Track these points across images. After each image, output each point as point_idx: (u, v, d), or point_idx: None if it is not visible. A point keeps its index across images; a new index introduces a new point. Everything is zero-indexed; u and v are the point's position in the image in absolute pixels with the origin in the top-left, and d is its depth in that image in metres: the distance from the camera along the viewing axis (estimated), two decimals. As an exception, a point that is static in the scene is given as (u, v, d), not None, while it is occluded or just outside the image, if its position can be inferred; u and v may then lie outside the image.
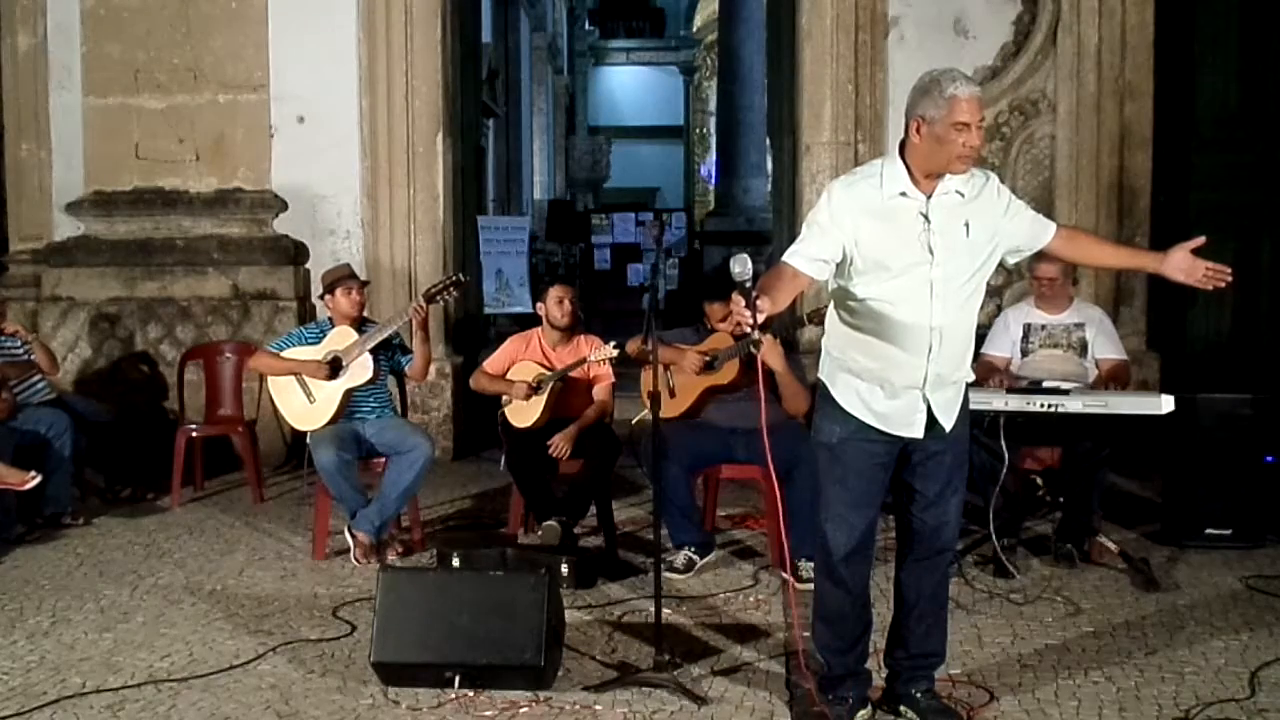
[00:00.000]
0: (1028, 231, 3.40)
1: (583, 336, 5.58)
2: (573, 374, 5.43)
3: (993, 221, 3.32)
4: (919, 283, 3.23)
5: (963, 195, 3.27)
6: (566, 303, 5.50)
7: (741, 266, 3.04)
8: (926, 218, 3.23)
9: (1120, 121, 7.28)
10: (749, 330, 3.03)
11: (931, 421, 3.35)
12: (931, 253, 3.23)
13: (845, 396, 3.38)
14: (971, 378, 3.45)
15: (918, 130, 3.20)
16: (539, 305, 5.61)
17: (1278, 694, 3.73)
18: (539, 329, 5.63)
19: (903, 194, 3.24)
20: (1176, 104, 7.39)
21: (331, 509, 5.36)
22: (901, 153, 3.27)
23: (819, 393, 3.48)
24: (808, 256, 3.24)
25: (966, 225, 3.26)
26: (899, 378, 3.29)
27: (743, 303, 3.01)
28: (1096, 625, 4.37)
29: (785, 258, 3.30)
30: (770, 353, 4.95)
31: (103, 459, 6.51)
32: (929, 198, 3.24)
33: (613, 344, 5.32)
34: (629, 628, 4.38)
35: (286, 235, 7.70)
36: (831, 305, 3.45)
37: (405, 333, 5.59)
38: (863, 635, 3.56)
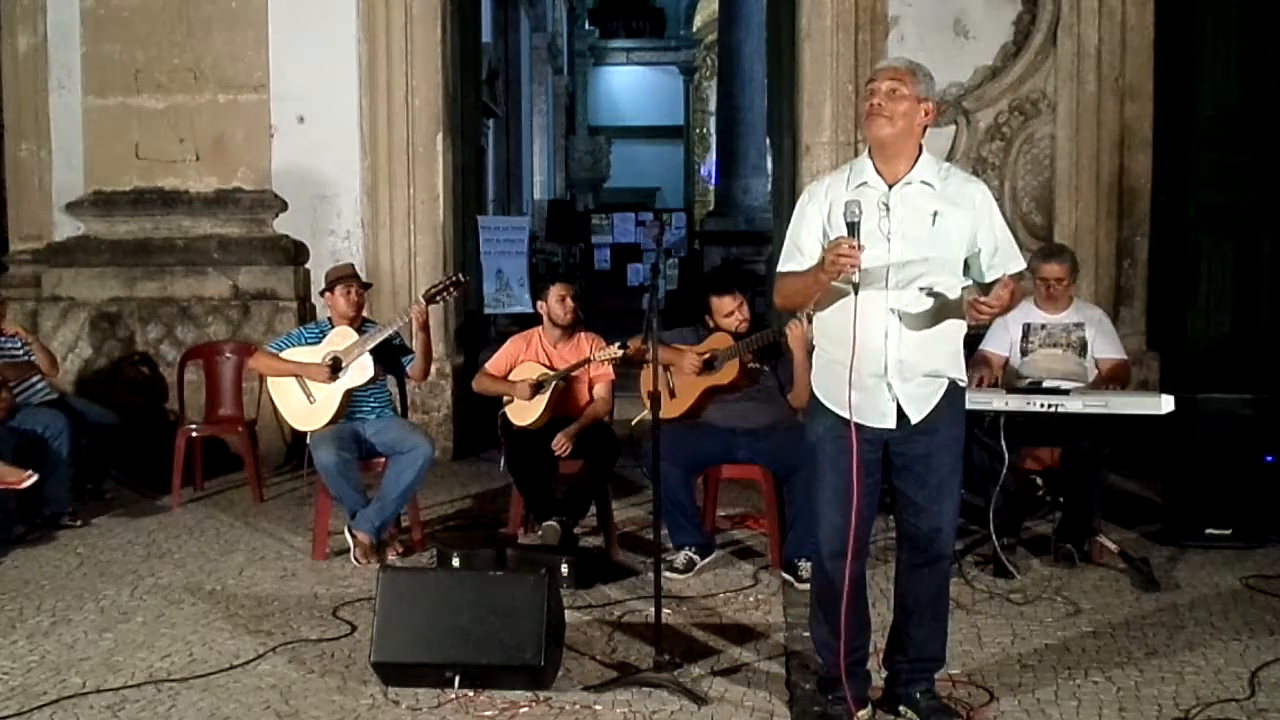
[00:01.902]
0: (985, 256, 3.35)
1: (583, 335, 5.57)
2: (574, 373, 5.43)
3: (968, 219, 3.32)
4: (877, 267, 3.27)
5: (931, 186, 3.32)
6: (569, 300, 5.50)
7: (856, 208, 3.21)
8: (886, 206, 3.30)
9: (1120, 121, 7.28)
10: (851, 271, 3.17)
11: (903, 415, 3.34)
12: (888, 239, 3.28)
13: (823, 390, 3.44)
14: (955, 375, 3.39)
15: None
16: (540, 304, 5.60)
17: (1278, 694, 3.73)
18: (539, 328, 5.63)
19: (864, 183, 3.35)
20: (1176, 104, 7.39)
21: (331, 509, 5.36)
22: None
23: (810, 393, 3.52)
24: (800, 258, 3.41)
25: (935, 215, 3.29)
26: (863, 365, 3.29)
27: (852, 243, 3.17)
28: (1096, 625, 4.37)
29: (781, 269, 3.48)
30: (797, 337, 4.96)
31: (105, 461, 6.50)
32: (891, 187, 3.33)
33: (616, 344, 5.32)
34: (629, 628, 4.38)
35: (286, 235, 7.71)
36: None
37: (406, 334, 5.59)
38: (860, 636, 3.55)
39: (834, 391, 3.38)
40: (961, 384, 3.44)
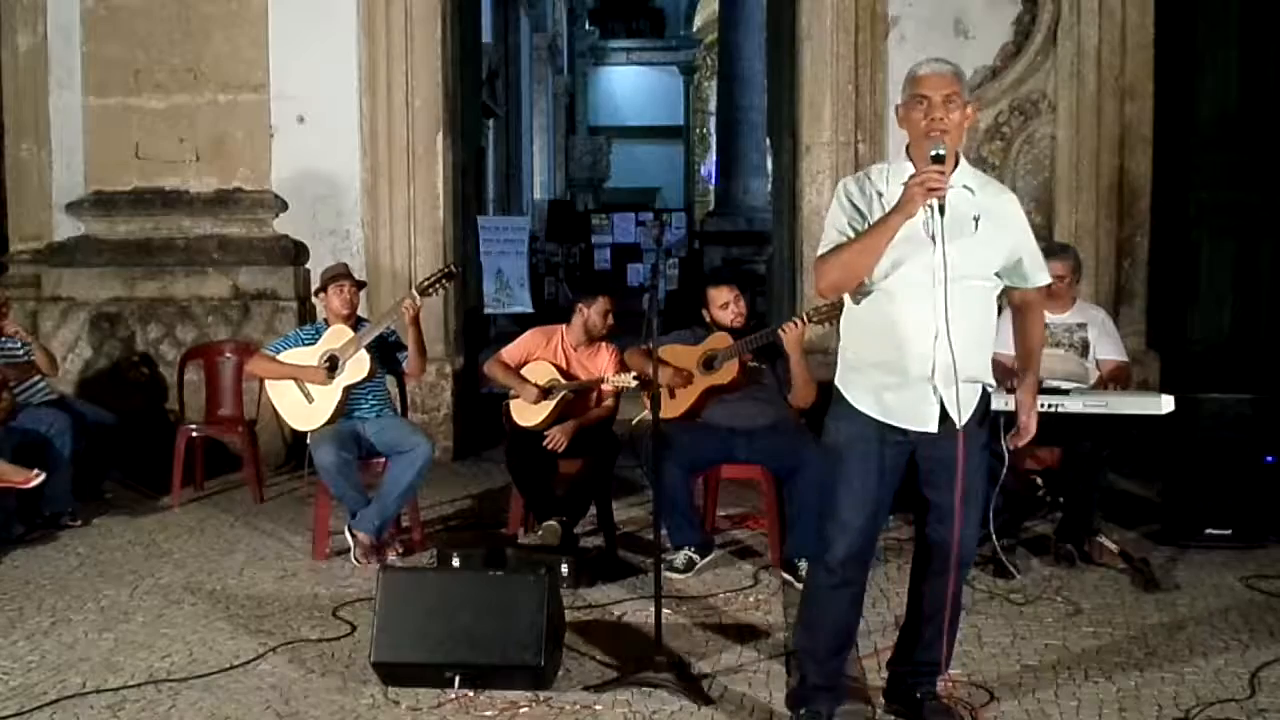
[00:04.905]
0: (1028, 262, 3.39)
1: (604, 344, 5.56)
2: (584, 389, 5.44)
3: (1005, 226, 3.31)
4: (923, 269, 3.21)
5: (971, 191, 3.27)
6: (611, 317, 5.50)
7: (941, 145, 3.16)
8: (929, 206, 3.18)
9: (1120, 121, 7.27)
10: (937, 190, 3.09)
11: (944, 417, 3.28)
12: (934, 240, 3.19)
13: (854, 393, 3.35)
14: (989, 381, 3.38)
15: (900, 121, 3.33)
16: (580, 307, 5.55)
17: (1278, 694, 3.73)
18: (563, 328, 5.61)
19: (907, 184, 3.22)
20: (1176, 104, 7.39)
21: (331, 509, 5.36)
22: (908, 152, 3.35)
23: (833, 397, 3.45)
24: (840, 233, 3.26)
25: (976, 220, 3.24)
26: (908, 367, 3.25)
27: (938, 169, 3.10)
28: (1096, 625, 4.37)
29: (824, 249, 3.30)
30: (794, 338, 4.95)
31: (105, 461, 6.50)
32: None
33: (632, 374, 5.26)
34: (629, 628, 4.38)
35: (286, 235, 7.70)
36: (847, 302, 3.42)
37: (400, 329, 5.58)
38: (845, 646, 3.49)
39: (868, 394, 3.33)
40: (991, 389, 3.41)
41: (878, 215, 3.23)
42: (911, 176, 3.14)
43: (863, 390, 3.34)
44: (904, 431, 3.32)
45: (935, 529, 3.41)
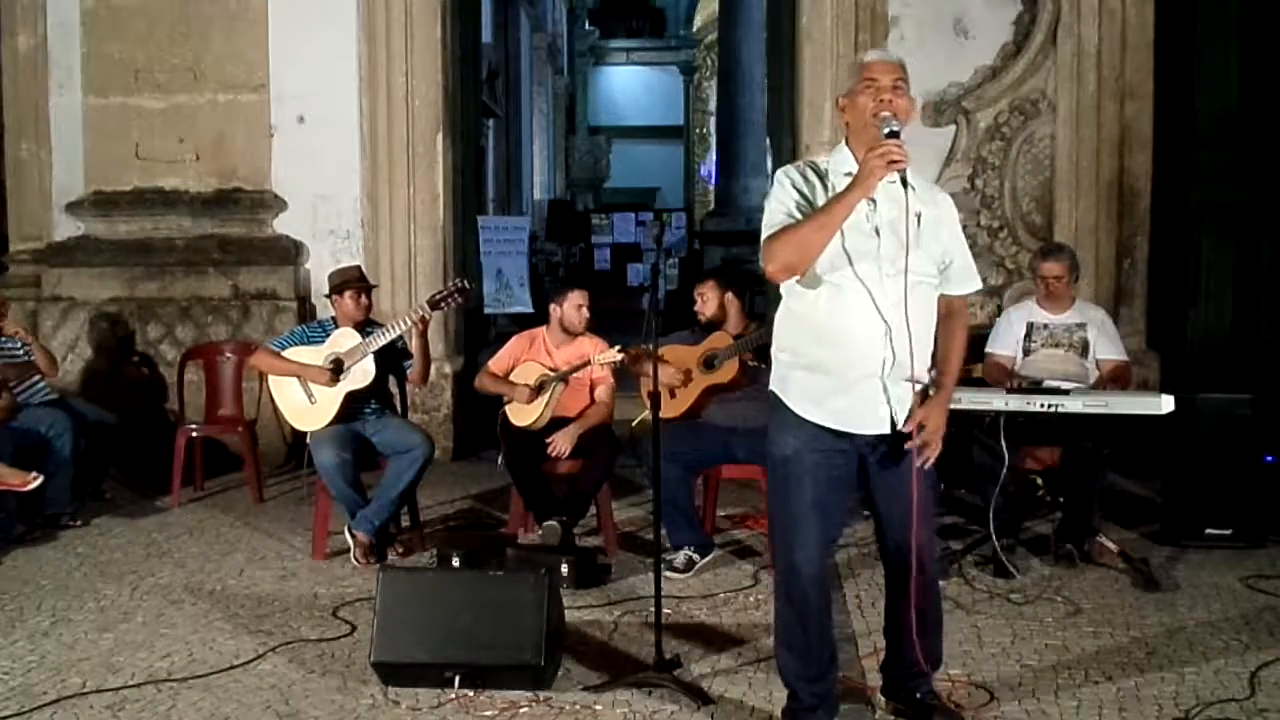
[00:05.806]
0: (958, 266, 3.33)
1: (586, 337, 5.56)
2: (574, 375, 5.43)
3: (942, 226, 3.28)
4: (869, 264, 3.15)
5: (913, 188, 3.16)
6: (586, 309, 5.48)
7: (893, 122, 3.12)
8: (873, 201, 3.15)
9: (1120, 121, 7.28)
10: (899, 164, 3.02)
11: (893, 419, 3.20)
12: (878, 234, 3.16)
13: (798, 401, 3.24)
14: (927, 380, 3.28)
15: (844, 109, 3.27)
16: (554, 306, 5.54)
17: (1278, 694, 3.73)
18: (544, 328, 5.61)
19: (849, 174, 3.17)
20: (1176, 104, 7.39)
21: (331, 509, 5.36)
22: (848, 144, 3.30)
23: (771, 404, 3.33)
24: (788, 214, 3.16)
25: (918, 216, 3.18)
26: (856, 365, 3.17)
27: (896, 143, 3.04)
28: (1096, 625, 4.37)
29: (771, 230, 3.17)
30: None
31: (105, 461, 6.50)
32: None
33: (617, 348, 5.29)
34: (629, 628, 4.38)
35: (286, 235, 7.71)
36: (782, 301, 3.32)
37: (407, 337, 5.58)
38: (831, 661, 3.42)
39: (814, 399, 3.22)
40: (931, 389, 3.30)
41: (822, 200, 3.17)
42: (869, 151, 3.07)
43: (806, 397, 3.24)
44: (850, 437, 3.23)
45: (892, 539, 3.34)
